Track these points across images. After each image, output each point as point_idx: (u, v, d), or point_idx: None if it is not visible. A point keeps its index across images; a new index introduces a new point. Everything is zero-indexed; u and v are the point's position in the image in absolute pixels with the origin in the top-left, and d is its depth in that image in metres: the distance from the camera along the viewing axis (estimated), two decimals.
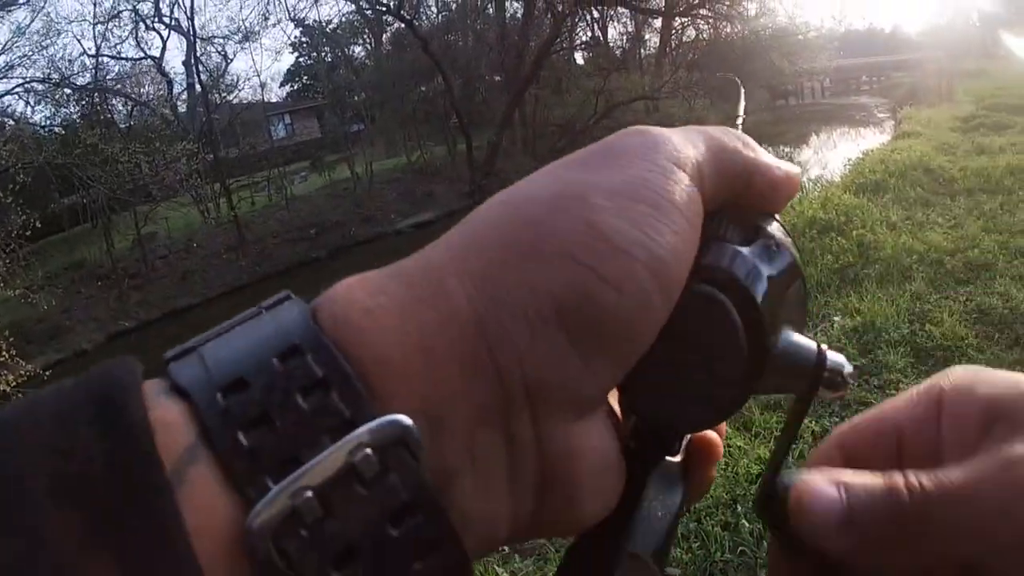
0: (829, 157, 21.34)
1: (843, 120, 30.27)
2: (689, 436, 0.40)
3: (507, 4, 27.32)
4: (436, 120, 25.52)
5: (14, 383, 11.53)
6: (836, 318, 5.53)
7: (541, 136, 25.57)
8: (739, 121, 0.57)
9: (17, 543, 0.21)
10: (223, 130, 23.17)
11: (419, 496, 0.26)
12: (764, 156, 0.38)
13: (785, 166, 0.38)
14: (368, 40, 31.39)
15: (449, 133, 24.84)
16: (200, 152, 19.68)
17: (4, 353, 11.96)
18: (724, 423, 0.41)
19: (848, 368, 0.37)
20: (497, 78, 26.99)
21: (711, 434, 0.41)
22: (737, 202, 0.37)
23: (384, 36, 30.50)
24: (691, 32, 33.72)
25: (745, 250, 0.35)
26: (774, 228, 0.38)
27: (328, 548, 0.24)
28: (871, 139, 21.10)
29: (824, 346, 0.37)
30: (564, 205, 0.31)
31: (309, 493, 0.24)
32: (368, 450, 0.25)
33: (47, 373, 12.17)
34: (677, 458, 0.39)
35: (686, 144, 0.34)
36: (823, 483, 0.35)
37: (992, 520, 0.31)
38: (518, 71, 23.85)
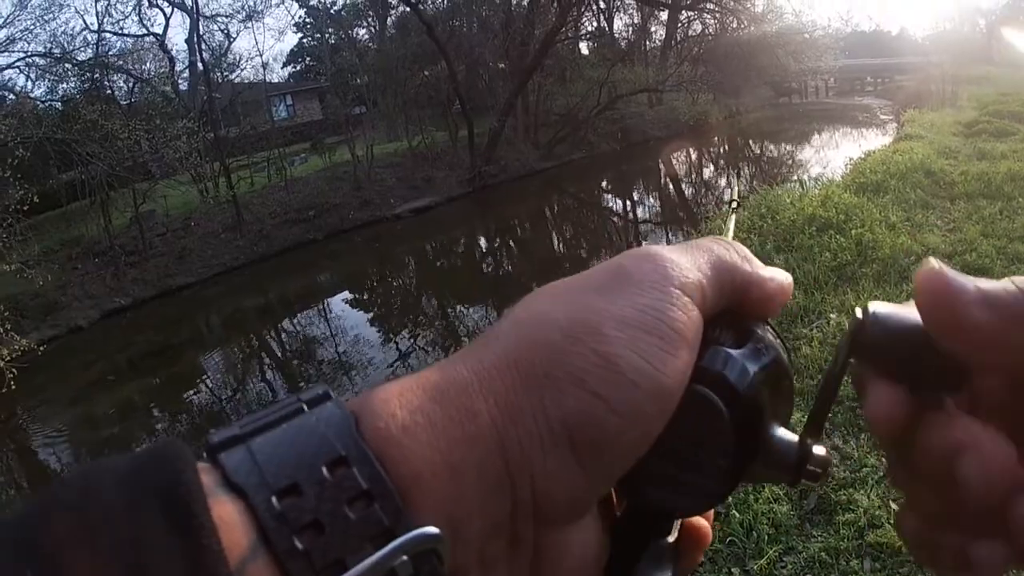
0: (830, 156, 21.41)
1: (846, 120, 30.26)
2: (680, 519, 0.43)
3: None
4: (438, 105, 25.44)
5: (8, 357, 11.52)
6: (832, 315, 5.58)
7: (543, 125, 25.57)
8: (734, 206, 0.60)
9: None
10: (224, 109, 23.16)
11: None
12: (761, 271, 0.41)
13: (779, 277, 0.42)
14: (372, 23, 31.44)
15: (451, 119, 24.72)
16: (200, 131, 19.69)
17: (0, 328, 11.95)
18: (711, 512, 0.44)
19: (829, 464, 0.39)
20: (501, 65, 26.94)
21: (701, 520, 0.43)
22: (733, 308, 0.40)
23: (388, 19, 30.49)
24: (697, 26, 33.82)
25: (736, 353, 0.39)
26: (765, 332, 0.41)
27: None
28: (873, 140, 21.17)
29: (808, 441, 0.39)
30: (579, 334, 0.34)
31: None
32: (405, 557, 0.28)
33: (41, 348, 12.18)
34: (669, 539, 0.41)
35: (692, 268, 0.38)
36: (957, 274, 0.34)
37: None
38: (522, 59, 23.85)
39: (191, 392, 11.70)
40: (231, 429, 0.31)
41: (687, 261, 0.38)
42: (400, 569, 0.28)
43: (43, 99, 19.85)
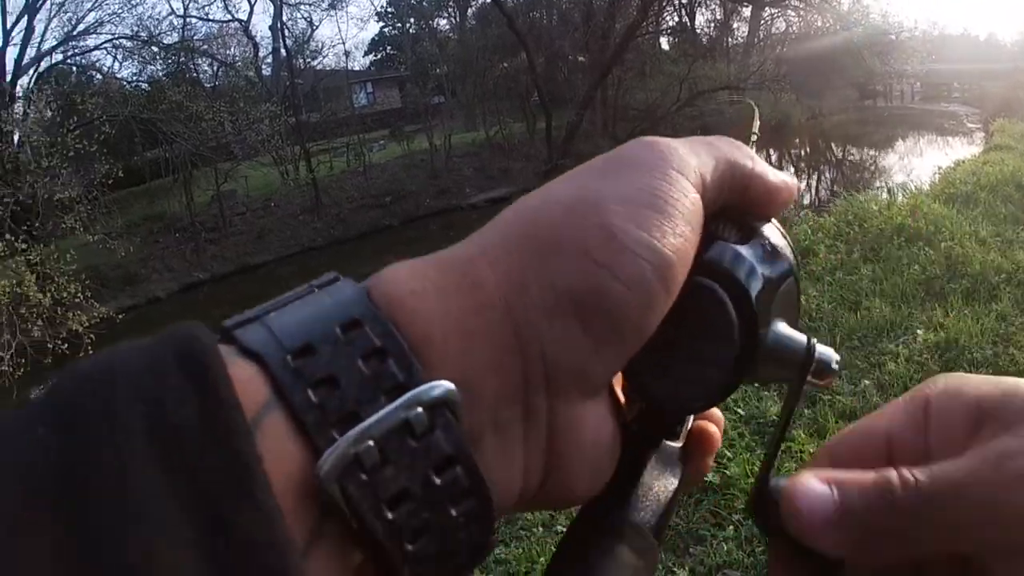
0: (914, 164, 20.92)
1: (931, 127, 29.44)
2: (690, 424, 0.44)
3: None
4: (516, 97, 25.35)
5: (87, 323, 11.81)
6: (919, 331, 5.30)
7: (622, 119, 25.32)
8: (752, 139, 0.58)
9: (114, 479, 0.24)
10: (306, 95, 23.39)
11: (459, 451, 0.29)
12: (762, 166, 0.42)
13: (781, 175, 0.42)
14: (453, 13, 31.53)
15: (529, 111, 24.68)
16: (282, 115, 19.97)
17: (80, 295, 12.26)
18: (722, 418, 0.46)
19: (835, 358, 0.40)
20: (580, 58, 26.80)
21: (710, 425, 0.45)
22: (737, 206, 0.41)
23: (469, 10, 30.59)
24: (780, 24, 33.27)
25: (741, 248, 0.39)
26: (769, 229, 0.41)
27: (384, 491, 0.28)
28: (959, 149, 20.55)
29: (814, 340, 0.40)
30: (582, 210, 0.35)
31: (370, 443, 0.27)
32: (419, 408, 0.28)
33: (120, 317, 12.46)
34: (677, 444, 0.43)
35: (690, 154, 0.38)
36: (814, 481, 0.36)
37: (987, 511, 0.33)
38: (602, 52, 23.65)
39: None
40: (245, 314, 0.32)
41: (686, 149, 0.39)
42: (415, 421, 0.28)
43: (129, 80, 20.29)
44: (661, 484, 0.41)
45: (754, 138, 0.59)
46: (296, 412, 0.27)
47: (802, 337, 0.40)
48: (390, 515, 0.28)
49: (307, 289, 0.33)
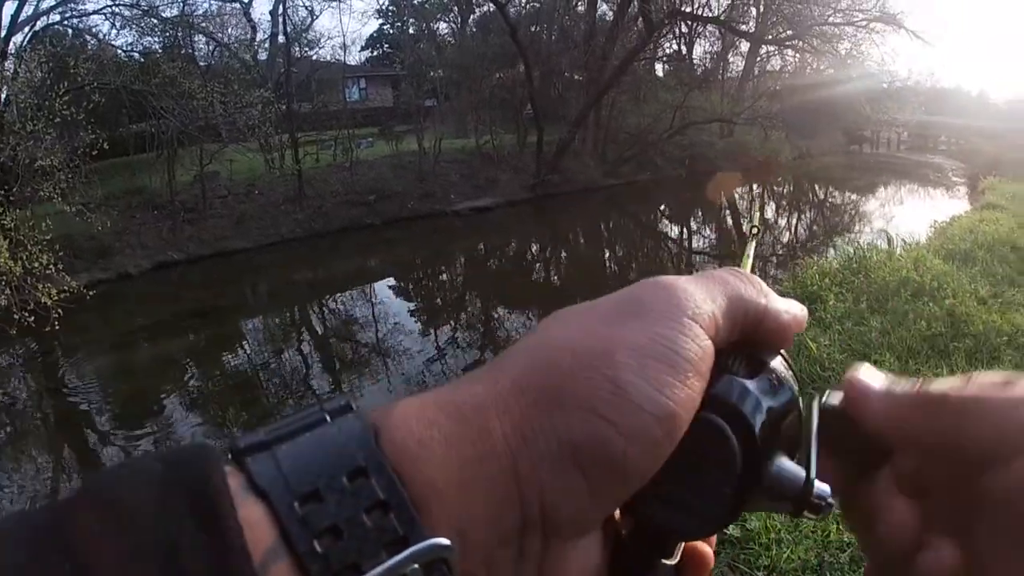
0: (895, 212, 21.21)
1: (916, 177, 29.65)
2: (682, 542, 0.44)
3: (598, 3, 27.13)
4: (509, 108, 25.28)
5: (56, 296, 11.57)
6: None
7: (612, 141, 25.42)
8: (754, 232, 0.59)
9: None
10: (299, 84, 23.18)
11: None
12: (775, 302, 0.43)
13: (793, 310, 0.44)
14: (454, 18, 31.46)
15: (521, 123, 24.67)
16: (275, 102, 19.76)
17: (52, 266, 12.03)
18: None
19: (830, 496, 0.41)
20: (576, 76, 26.79)
21: (703, 545, 0.45)
22: (747, 339, 0.42)
23: (471, 17, 30.53)
24: (776, 62, 33.52)
25: (750, 384, 0.41)
26: (778, 363, 0.43)
27: None
28: (942, 203, 20.83)
29: (813, 474, 0.41)
30: (592, 361, 0.36)
31: None
32: (416, 565, 0.30)
33: (90, 293, 12.22)
34: (672, 561, 0.43)
35: (706, 299, 0.40)
36: (873, 371, 0.42)
37: (999, 415, 0.36)
38: (600, 73, 23.69)
39: (229, 355, 11.72)
40: (257, 435, 0.33)
41: (701, 292, 0.40)
42: (411, 574, 0.30)
43: (124, 49, 20.02)
44: None
45: (755, 230, 0.60)
46: (301, 561, 0.28)
47: (801, 472, 0.41)
48: None
49: (318, 414, 0.34)
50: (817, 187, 27.96)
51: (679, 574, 0.43)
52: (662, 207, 23.67)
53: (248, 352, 12.04)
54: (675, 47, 33.18)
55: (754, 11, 28.93)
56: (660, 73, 32.97)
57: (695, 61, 34.10)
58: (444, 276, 17.24)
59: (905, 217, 18.21)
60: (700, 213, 22.87)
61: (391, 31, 37.14)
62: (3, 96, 15.04)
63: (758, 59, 33.34)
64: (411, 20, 32.08)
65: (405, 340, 11.76)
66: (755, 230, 0.60)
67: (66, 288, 11.89)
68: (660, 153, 25.74)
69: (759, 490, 0.40)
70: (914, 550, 0.39)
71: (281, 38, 23.52)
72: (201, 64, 20.78)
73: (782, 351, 0.44)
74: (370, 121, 26.22)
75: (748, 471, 0.39)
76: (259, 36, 25.09)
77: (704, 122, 26.56)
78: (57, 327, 11.17)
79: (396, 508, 0.31)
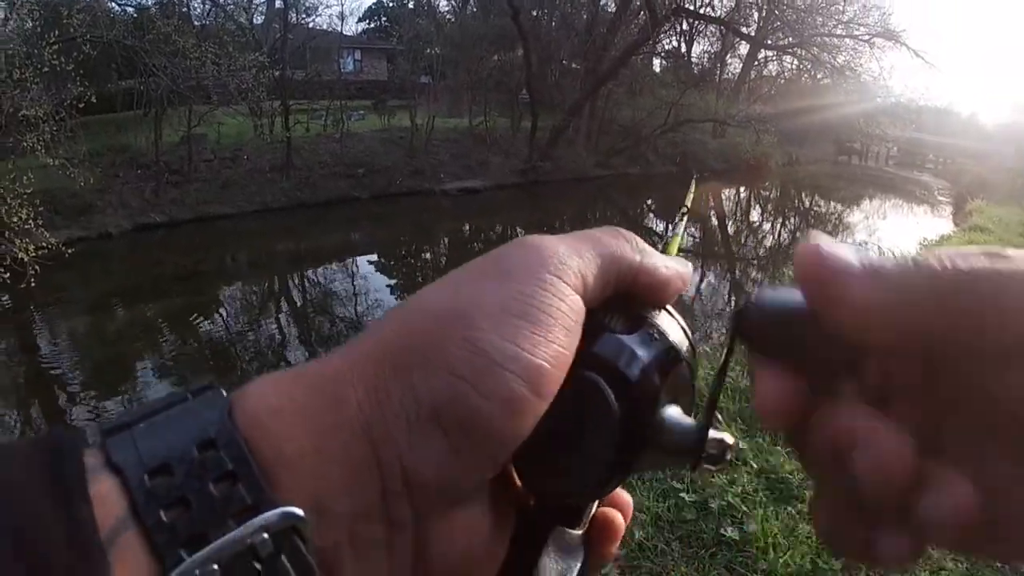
0: (877, 224, 21.40)
1: (901, 192, 29.76)
2: (593, 510, 0.44)
3: None
4: (505, 91, 25.06)
5: (34, 252, 11.32)
6: None
7: (605, 133, 25.31)
8: (683, 210, 0.57)
9: None
10: (294, 51, 22.86)
11: (306, 574, 0.30)
12: (651, 259, 0.42)
13: (673, 266, 0.43)
14: None
15: (516, 107, 24.49)
16: (269, 67, 19.45)
17: (31, 221, 11.77)
18: (630, 501, 0.46)
19: (729, 445, 0.39)
20: (574, 65, 26.63)
21: (614, 511, 0.45)
22: (627, 296, 0.42)
23: None
24: (773, 67, 33.52)
25: (626, 338, 0.40)
26: (660, 318, 0.42)
27: None
28: (926, 221, 20.98)
29: (706, 425, 0.39)
30: (450, 321, 0.35)
31: (215, 566, 0.28)
32: (265, 534, 0.29)
33: (68, 251, 11.95)
34: (579, 530, 0.43)
35: (571, 255, 0.39)
36: (841, 246, 0.34)
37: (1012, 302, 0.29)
38: (598, 63, 23.56)
39: (207, 322, 11.48)
40: (122, 417, 0.33)
41: (567, 248, 0.39)
42: (260, 546, 0.29)
43: (119, 2, 19.65)
44: (558, 573, 0.41)
45: (684, 210, 0.57)
46: (148, 531, 0.29)
47: (692, 423, 0.40)
48: None
49: (181, 395, 0.34)
50: (803, 194, 28.02)
51: (587, 543, 0.43)
52: (650, 202, 23.51)
53: (226, 319, 11.83)
54: (674, 44, 33.16)
55: (756, 15, 28.86)
56: (657, 69, 32.88)
57: (693, 59, 34.06)
58: (428, 255, 17.06)
59: (888, 231, 18.40)
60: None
61: (390, 4, 36.89)
62: None
63: (756, 63, 33.33)
64: None
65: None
66: (684, 209, 0.56)
67: (44, 245, 11.61)
68: (652, 148, 25.64)
69: (649, 446, 0.39)
70: (910, 488, 0.32)
71: (278, 3, 23.24)
72: (195, 24, 20.45)
73: (668, 307, 0.43)
74: (363, 94, 25.97)
75: (630, 427, 0.38)
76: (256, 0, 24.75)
77: (699, 120, 26.52)
78: (33, 284, 10.95)
79: (244, 478, 0.31)
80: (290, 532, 0.30)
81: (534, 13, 26.73)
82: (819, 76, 29.08)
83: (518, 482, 0.41)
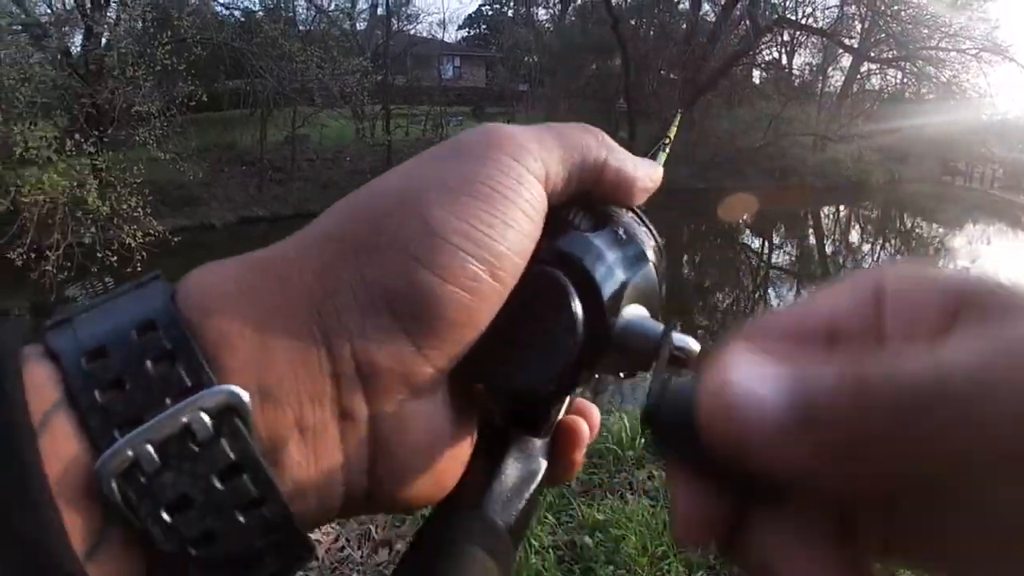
0: (982, 250, 20.44)
1: (1007, 218, 28.35)
2: (558, 418, 0.43)
3: (701, 2, 26.64)
4: (602, 100, 25.03)
5: (141, 239, 11.70)
6: None
7: (703, 145, 24.93)
8: (666, 142, 0.56)
9: None
10: (395, 57, 23.20)
11: (245, 458, 0.29)
12: (619, 155, 0.41)
13: (642, 165, 0.42)
14: (555, 3, 31.22)
15: (613, 117, 24.31)
16: (372, 72, 19.78)
17: (139, 208, 12.23)
18: (596, 413, 0.46)
19: (694, 346, 0.37)
20: (672, 75, 26.38)
21: (578, 420, 0.44)
22: (595, 195, 0.41)
23: (571, 5, 30.27)
24: (875, 81, 32.68)
25: (590, 235, 0.39)
26: (627, 218, 0.41)
27: (162, 495, 0.28)
28: None
29: (672, 327, 0.38)
30: (402, 201, 0.34)
31: (149, 446, 0.27)
32: (203, 414, 0.28)
33: (175, 239, 12.40)
34: (542, 440, 0.43)
35: (530, 140, 0.37)
36: (752, 370, 0.26)
37: (988, 408, 0.22)
38: (697, 73, 23.24)
39: None
40: (65, 312, 0.32)
41: (528, 136, 0.38)
42: (196, 426, 0.28)
43: (225, 6, 20.23)
44: (520, 481, 0.41)
45: (667, 141, 0.56)
46: (82, 414, 0.28)
47: (656, 324, 0.38)
48: (168, 519, 0.28)
49: (127, 288, 0.33)
50: (905, 215, 27.11)
51: (551, 451, 0.43)
52: (746, 217, 23.12)
53: None
54: (775, 55, 32.62)
55: (859, 26, 28.17)
56: (757, 80, 32.39)
57: (794, 71, 33.45)
58: None
59: (992, 258, 17.65)
60: (784, 228, 22.21)
61: (490, 12, 37.16)
62: (104, 40, 15.14)
63: (858, 76, 32.59)
64: (511, 2, 32.01)
65: None
66: (667, 141, 0.55)
67: (151, 231, 12.11)
68: (750, 162, 25.12)
69: (612, 348, 0.38)
70: None
71: (381, 10, 23.71)
72: (300, 28, 20.90)
73: (635, 209, 0.43)
74: (462, 100, 26.23)
75: (592, 326, 0.37)
76: (359, 5, 25.21)
77: (799, 134, 25.95)
78: (139, 268, 11.21)
79: (184, 359, 0.29)
80: (230, 413, 0.29)
81: (632, 22, 26.57)
82: (924, 91, 28.21)
83: (479, 386, 0.38)
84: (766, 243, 20.78)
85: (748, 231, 21.43)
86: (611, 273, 0.38)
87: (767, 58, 32.27)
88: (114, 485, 0.27)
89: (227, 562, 0.29)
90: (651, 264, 0.41)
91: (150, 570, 0.28)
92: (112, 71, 14.15)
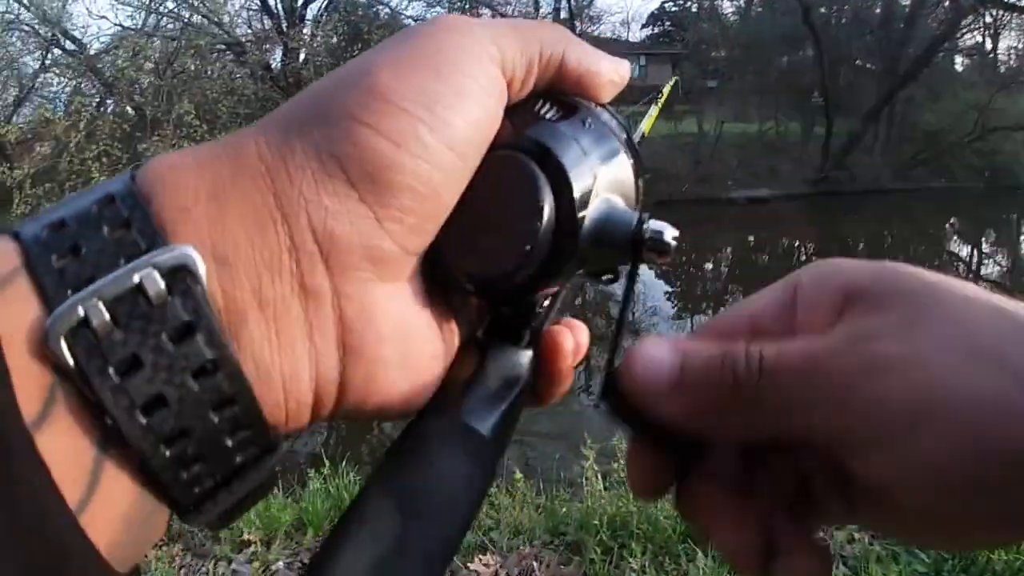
0: None
1: None
2: (541, 329, 0.43)
3: None
4: (795, 93, 23.88)
5: None
6: None
7: (904, 140, 23.45)
8: (659, 99, 0.55)
9: None
10: None
11: (199, 317, 0.29)
12: (579, 45, 0.41)
13: (606, 58, 0.42)
14: None
15: (808, 111, 23.26)
16: None
17: None
18: (584, 328, 0.45)
19: (671, 232, 0.38)
20: (869, 65, 24.99)
21: (563, 331, 0.44)
22: (562, 89, 0.41)
23: None
24: None
25: (558, 123, 0.39)
26: (596, 109, 0.41)
27: (112, 354, 0.27)
28: None
29: (646, 214, 0.39)
30: (350, 77, 0.34)
31: (100, 304, 0.27)
32: (155, 273, 0.28)
33: None
34: (526, 350, 0.42)
35: (486, 27, 0.37)
36: (655, 346, 0.36)
37: (834, 394, 0.32)
38: (895, 63, 21.91)
39: None
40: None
41: (483, 23, 0.38)
42: (147, 283, 0.28)
43: (414, 17, 20.53)
44: (500, 387, 0.40)
45: (661, 99, 0.55)
46: (37, 276, 0.28)
47: (631, 212, 0.39)
48: (117, 379, 0.27)
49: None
50: None
51: (535, 366, 0.42)
52: (953, 221, 21.40)
53: None
54: (977, 39, 30.44)
55: None
56: (959, 68, 30.32)
57: (999, 56, 31.14)
58: (709, 264, 16.55)
59: None
60: (994, 235, 20.08)
61: (674, 7, 36.39)
62: (302, 57, 15.85)
63: None
64: None
65: (660, 324, 11.35)
66: (661, 95, 0.51)
67: None
68: (957, 159, 23.42)
69: (584, 235, 0.37)
70: (764, 557, 0.36)
71: (564, 13, 23.31)
72: None
73: (605, 105, 0.42)
74: (650, 100, 25.39)
75: (563, 212, 0.37)
76: (542, 11, 24.99)
77: (1011, 128, 24.01)
78: None
79: (137, 223, 0.30)
80: (182, 272, 0.29)
81: (823, 9, 25.26)
82: None
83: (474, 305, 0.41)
84: (975, 252, 19.10)
85: (956, 237, 19.90)
86: (580, 159, 0.37)
87: (968, 42, 30.23)
88: (63, 343, 0.27)
89: (181, 435, 0.29)
90: (623, 153, 0.40)
91: (102, 448, 0.28)
92: (308, 81, 14.38)
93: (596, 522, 3.36)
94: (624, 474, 3.53)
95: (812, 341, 0.33)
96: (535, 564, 3.30)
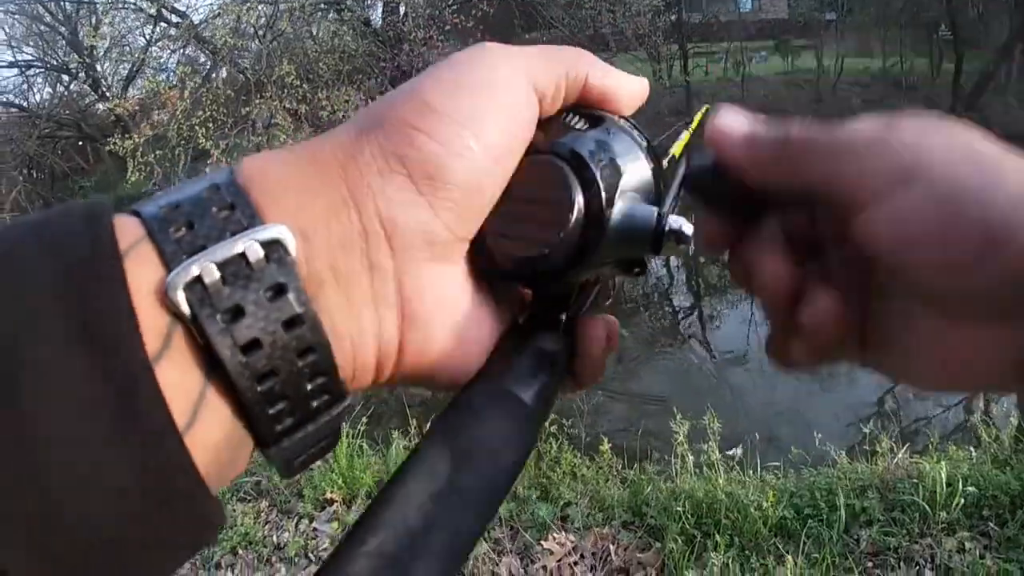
0: None
1: None
2: (575, 317, 0.48)
3: None
4: (921, 27, 22.34)
5: None
6: None
7: None
8: (691, 126, 0.61)
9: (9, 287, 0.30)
10: None
11: (290, 279, 0.34)
12: (601, 66, 0.46)
13: (626, 76, 0.47)
14: None
15: (936, 46, 21.66)
16: (665, 11, 18.84)
17: None
18: (615, 323, 0.49)
19: (689, 227, 0.43)
20: None
21: (595, 320, 0.48)
22: (587, 104, 0.46)
23: None
24: None
25: (584, 132, 0.44)
26: (619, 120, 0.46)
27: (220, 304, 0.33)
28: None
29: (665, 210, 0.43)
30: (407, 95, 0.40)
31: (212, 265, 0.33)
32: (256, 243, 0.34)
33: None
34: (556, 342, 0.46)
35: (520, 54, 0.43)
36: (736, 112, 0.45)
37: (848, 158, 0.39)
38: None
39: None
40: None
41: (515, 49, 0.43)
42: (249, 251, 0.33)
43: None
44: (537, 363, 0.44)
45: (692, 125, 0.60)
46: (159, 244, 0.33)
47: (651, 208, 0.43)
48: (223, 324, 0.33)
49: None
50: None
51: (563, 356, 0.46)
52: None
53: None
54: None
55: None
56: None
57: None
58: None
59: None
60: None
61: None
62: (402, 11, 15.70)
63: None
64: None
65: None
66: (690, 124, 0.57)
67: None
68: None
69: (610, 232, 0.42)
70: (793, 302, 0.43)
71: None
72: None
73: (628, 117, 0.47)
74: (763, 34, 24.23)
75: (588, 202, 0.42)
76: None
77: None
78: None
79: (240, 207, 0.35)
80: (277, 244, 0.34)
81: None
82: None
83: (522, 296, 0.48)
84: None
85: None
86: (605, 161, 0.42)
87: None
88: (181, 294, 0.32)
89: (271, 374, 0.34)
90: (643, 159, 0.44)
91: (206, 382, 0.33)
92: (409, 35, 14.59)
93: (680, 508, 3.27)
94: (714, 456, 3.74)
95: (847, 128, 0.40)
96: (611, 547, 3.26)
